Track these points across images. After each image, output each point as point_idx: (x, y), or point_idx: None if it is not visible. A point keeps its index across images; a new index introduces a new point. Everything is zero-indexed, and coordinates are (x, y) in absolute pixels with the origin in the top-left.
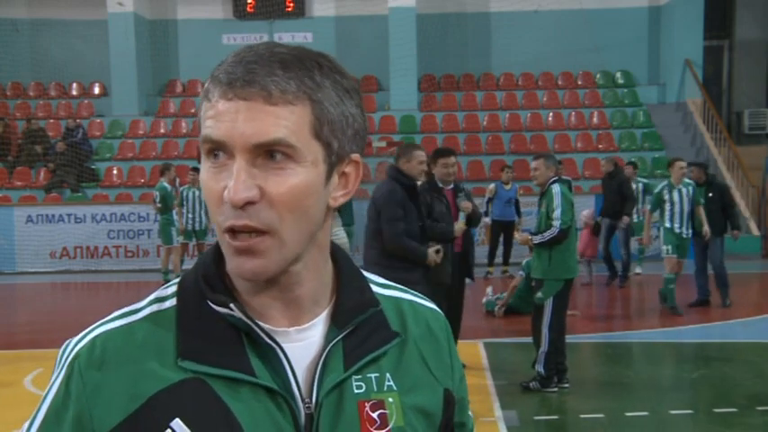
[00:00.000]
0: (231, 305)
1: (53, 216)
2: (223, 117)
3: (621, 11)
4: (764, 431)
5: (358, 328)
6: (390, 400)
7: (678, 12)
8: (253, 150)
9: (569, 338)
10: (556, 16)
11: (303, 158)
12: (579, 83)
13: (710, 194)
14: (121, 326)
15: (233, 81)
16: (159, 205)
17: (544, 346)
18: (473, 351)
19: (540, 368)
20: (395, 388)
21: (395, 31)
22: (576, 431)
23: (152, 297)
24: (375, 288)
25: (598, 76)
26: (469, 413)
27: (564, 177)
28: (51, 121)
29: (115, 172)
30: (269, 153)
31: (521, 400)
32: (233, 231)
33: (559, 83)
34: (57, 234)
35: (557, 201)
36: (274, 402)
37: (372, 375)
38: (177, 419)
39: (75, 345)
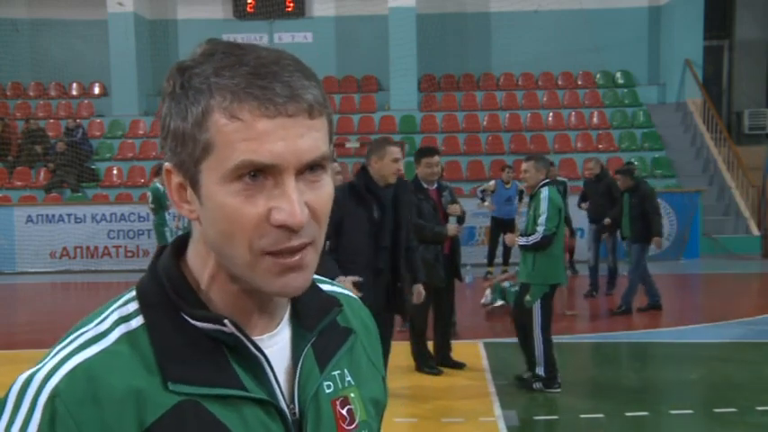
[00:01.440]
0: (225, 320)
1: (53, 216)
2: (269, 138)
3: (621, 11)
4: (764, 431)
5: (321, 329)
6: (352, 395)
7: (678, 12)
8: (301, 168)
9: (570, 338)
10: (556, 16)
11: (330, 166)
12: (579, 83)
13: (633, 200)
14: (97, 354)
15: (272, 96)
16: (152, 206)
17: (539, 348)
18: (473, 351)
19: (540, 371)
20: (353, 383)
21: (395, 31)
22: (575, 431)
23: (114, 318)
24: (319, 285)
25: (598, 76)
26: None
27: (558, 180)
28: (51, 121)
29: (115, 172)
30: (311, 168)
31: (521, 400)
32: (286, 252)
33: (559, 83)
34: (57, 234)
35: (543, 206)
36: (266, 413)
37: (335, 373)
38: None
39: (46, 381)
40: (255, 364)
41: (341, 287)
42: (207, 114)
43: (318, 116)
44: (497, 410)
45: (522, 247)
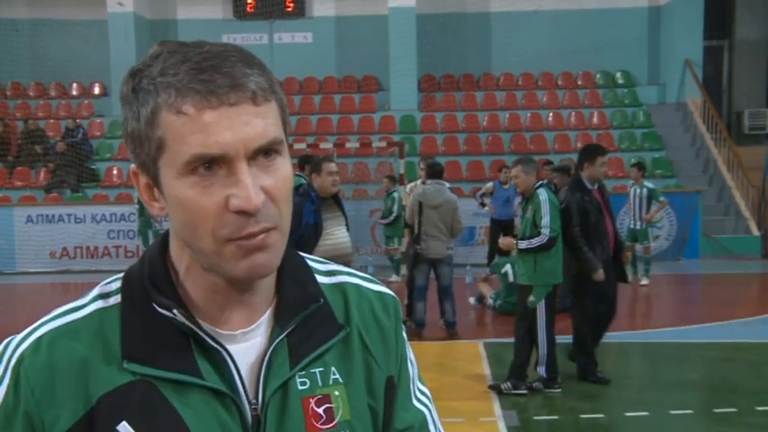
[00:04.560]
0: (174, 310)
1: (53, 216)
2: (215, 129)
3: (621, 11)
4: (764, 431)
5: (302, 324)
6: (336, 393)
7: (678, 12)
8: (252, 154)
9: (570, 338)
10: (556, 16)
11: (285, 150)
12: (579, 83)
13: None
14: (65, 324)
15: (214, 88)
16: (137, 206)
17: (543, 348)
18: (473, 351)
19: (541, 371)
20: (341, 381)
21: (395, 31)
22: (575, 431)
23: (95, 293)
24: (320, 277)
25: (598, 76)
26: (417, 406)
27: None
28: (51, 121)
29: (115, 172)
30: (263, 152)
31: (521, 400)
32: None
33: (559, 83)
34: (57, 234)
35: (545, 208)
36: (222, 404)
37: (317, 370)
38: (124, 422)
39: (18, 346)
40: (217, 356)
41: (359, 277)
42: (156, 113)
43: (264, 102)
44: (497, 410)
45: (523, 250)
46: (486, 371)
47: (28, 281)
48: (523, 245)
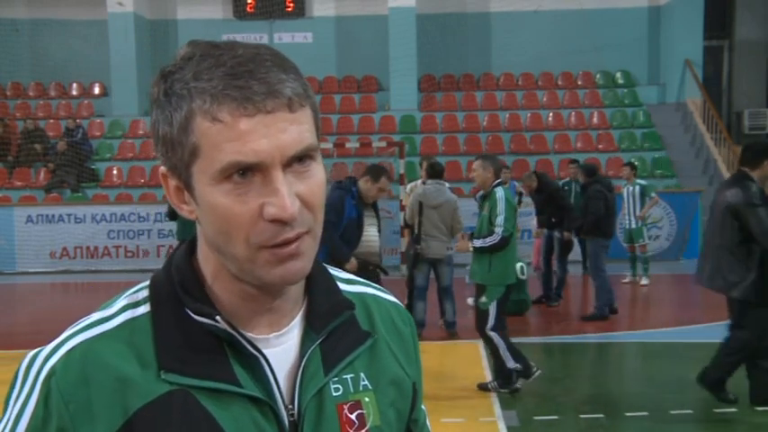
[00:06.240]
0: (217, 317)
1: (53, 216)
2: (252, 136)
3: (621, 11)
4: (764, 431)
5: (332, 331)
6: (366, 399)
7: (678, 12)
8: (288, 162)
9: (570, 338)
10: (556, 16)
11: (319, 155)
12: (579, 83)
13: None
14: (97, 335)
15: (250, 95)
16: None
17: (501, 344)
18: (473, 351)
19: (511, 364)
20: (370, 387)
21: (395, 31)
22: (575, 431)
23: (123, 303)
24: (341, 285)
25: (598, 76)
26: (422, 407)
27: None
28: (51, 121)
29: (115, 172)
30: (298, 159)
31: (521, 400)
32: (282, 244)
33: (559, 83)
34: (57, 234)
35: (500, 207)
36: (260, 411)
37: (348, 376)
38: None
39: (47, 359)
40: (254, 362)
41: (374, 287)
42: (190, 119)
43: (300, 108)
44: (497, 410)
45: (478, 249)
46: (486, 371)
47: (28, 281)
48: (478, 243)
